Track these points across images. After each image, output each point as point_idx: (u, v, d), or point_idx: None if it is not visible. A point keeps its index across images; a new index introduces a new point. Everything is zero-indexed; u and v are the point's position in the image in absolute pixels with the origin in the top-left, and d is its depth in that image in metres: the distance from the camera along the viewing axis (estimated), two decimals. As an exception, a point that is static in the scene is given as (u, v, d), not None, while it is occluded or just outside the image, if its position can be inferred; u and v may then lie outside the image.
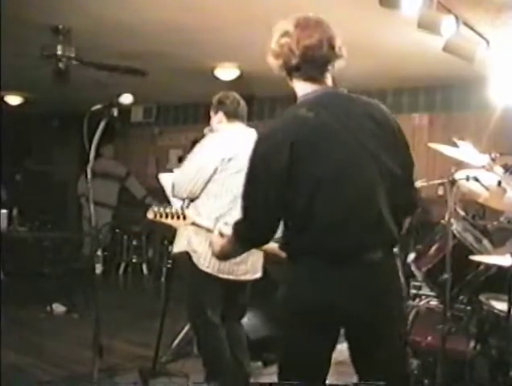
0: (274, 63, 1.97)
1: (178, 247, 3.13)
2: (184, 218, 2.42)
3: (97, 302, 2.79)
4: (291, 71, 1.95)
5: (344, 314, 1.85)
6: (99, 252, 2.76)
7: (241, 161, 3.00)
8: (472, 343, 3.06)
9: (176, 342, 4.11)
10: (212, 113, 3.25)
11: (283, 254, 2.01)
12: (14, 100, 8.00)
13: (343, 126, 1.87)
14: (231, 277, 3.03)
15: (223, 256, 2.19)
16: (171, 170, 4.05)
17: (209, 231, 2.32)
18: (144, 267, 7.86)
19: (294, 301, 1.88)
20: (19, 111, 8.28)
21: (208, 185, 3.00)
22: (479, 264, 3.28)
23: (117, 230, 7.85)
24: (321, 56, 1.92)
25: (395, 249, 1.97)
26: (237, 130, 3.17)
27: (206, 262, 2.99)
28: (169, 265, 4.10)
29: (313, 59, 1.91)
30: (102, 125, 2.78)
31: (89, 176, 2.76)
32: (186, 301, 3.22)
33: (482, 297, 3.14)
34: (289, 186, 1.82)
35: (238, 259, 2.94)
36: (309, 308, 1.84)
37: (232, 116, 3.18)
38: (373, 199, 1.86)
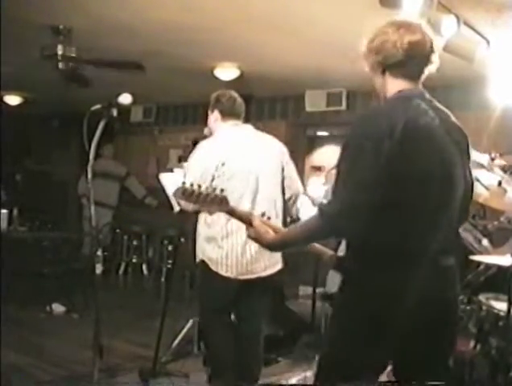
0: (370, 59, 1.95)
1: (197, 256, 3.14)
2: (226, 202, 1.97)
3: (97, 302, 2.79)
4: (391, 67, 1.92)
5: (417, 315, 1.83)
6: (99, 252, 2.74)
7: (231, 165, 2.97)
8: (472, 343, 3.06)
9: (176, 342, 4.11)
10: (209, 112, 3.24)
11: (326, 255, 1.99)
12: (14, 100, 7.99)
13: (440, 127, 1.87)
14: (252, 276, 3.02)
15: (276, 246, 2.04)
16: (171, 170, 4.06)
17: (246, 220, 2.01)
18: (144, 267, 7.86)
19: (372, 301, 1.83)
20: (19, 111, 8.28)
21: None
22: (479, 264, 3.28)
23: (117, 230, 7.85)
24: (425, 54, 1.92)
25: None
26: (230, 130, 3.15)
27: (224, 267, 2.99)
28: (169, 265, 4.10)
29: (417, 55, 1.91)
30: (102, 125, 2.78)
31: (90, 176, 2.76)
32: (200, 306, 3.24)
33: (482, 297, 3.14)
34: (389, 177, 1.75)
35: (254, 257, 2.97)
36: (389, 308, 1.81)
37: (227, 113, 3.16)
38: (454, 204, 1.88)
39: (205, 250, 3.03)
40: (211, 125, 3.24)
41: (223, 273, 2.99)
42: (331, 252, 2.06)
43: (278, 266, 3.15)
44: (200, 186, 1.91)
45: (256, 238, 1.99)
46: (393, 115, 1.80)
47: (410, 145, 1.77)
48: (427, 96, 1.96)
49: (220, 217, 2.90)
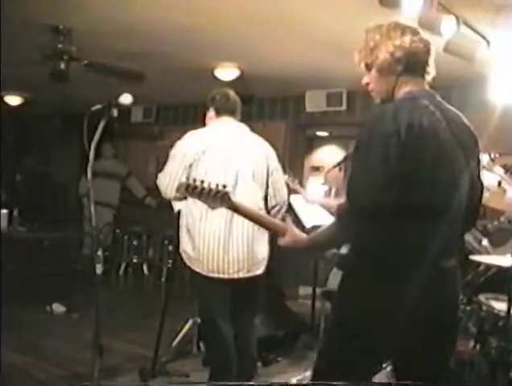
0: (382, 59, 1.94)
1: (180, 247, 3.13)
2: (228, 197, 1.98)
3: (97, 302, 2.79)
4: (406, 68, 1.94)
5: (417, 316, 1.82)
6: (99, 252, 2.74)
7: (211, 155, 2.94)
8: (472, 343, 3.06)
9: (176, 342, 4.11)
10: (206, 112, 3.26)
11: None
12: (14, 100, 8.00)
13: (446, 130, 1.87)
14: (223, 275, 2.96)
15: (305, 248, 2.05)
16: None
17: (255, 219, 2.06)
18: (144, 267, 7.86)
19: (371, 298, 1.83)
20: (19, 111, 8.28)
21: None
22: (479, 264, 3.28)
23: (117, 230, 7.85)
24: (428, 55, 2.00)
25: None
26: (219, 125, 3.15)
27: (195, 262, 2.97)
28: (169, 265, 4.10)
29: (424, 56, 1.99)
30: (102, 125, 2.78)
31: (89, 176, 2.76)
32: (198, 305, 3.25)
33: (482, 297, 3.14)
34: (395, 178, 1.75)
35: (230, 257, 2.93)
36: (387, 306, 1.81)
37: (221, 111, 3.17)
38: (458, 207, 1.86)
39: (182, 242, 3.01)
40: (206, 122, 3.26)
41: (194, 267, 2.97)
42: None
43: (258, 271, 3.07)
44: (202, 182, 1.92)
45: (289, 241, 2.02)
46: (400, 115, 1.80)
47: (414, 146, 1.77)
48: (437, 97, 1.97)
49: (202, 209, 2.88)
